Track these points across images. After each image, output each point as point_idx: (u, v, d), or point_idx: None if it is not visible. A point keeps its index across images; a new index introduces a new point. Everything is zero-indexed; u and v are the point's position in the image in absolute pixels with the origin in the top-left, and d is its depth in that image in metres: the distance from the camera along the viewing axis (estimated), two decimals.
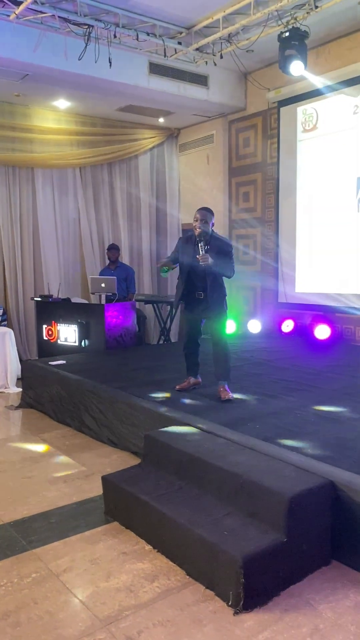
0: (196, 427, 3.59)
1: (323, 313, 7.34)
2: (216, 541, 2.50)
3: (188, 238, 4.47)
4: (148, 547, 2.89)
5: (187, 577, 2.62)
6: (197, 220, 4.33)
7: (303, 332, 7.42)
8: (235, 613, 2.35)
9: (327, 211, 7.31)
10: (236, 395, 4.40)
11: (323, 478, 2.73)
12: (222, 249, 4.35)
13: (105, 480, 3.29)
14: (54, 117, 8.20)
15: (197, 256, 4.21)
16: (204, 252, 4.21)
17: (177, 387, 4.62)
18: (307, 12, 5.87)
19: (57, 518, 3.25)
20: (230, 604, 2.39)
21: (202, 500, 2.91)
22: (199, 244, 4.23)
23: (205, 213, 4.36)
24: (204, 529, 2.61)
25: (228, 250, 4.41)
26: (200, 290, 4.41)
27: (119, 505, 3.16)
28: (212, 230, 4.41)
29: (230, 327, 7.98)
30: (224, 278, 4.44)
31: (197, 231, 4.29)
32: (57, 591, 2.53)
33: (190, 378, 4.70)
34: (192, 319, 4.56)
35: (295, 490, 2.59)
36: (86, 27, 5.99)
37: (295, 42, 5.94)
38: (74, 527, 3.13)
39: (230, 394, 4.33)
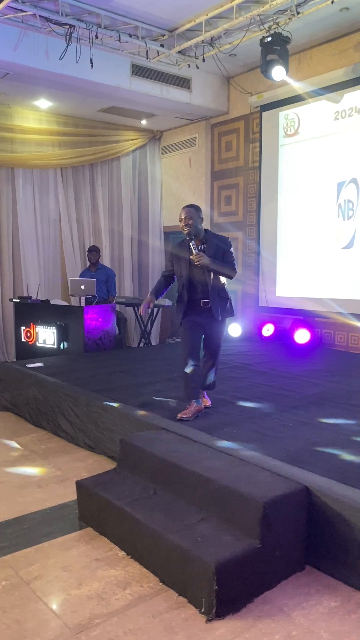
0: (172, 432, 3.56)
1: (303, 317, 7.37)
2: (189, 547, 2.47)
3: (181, 242, 4.10)
4: (121, 553, 2.85)
5: (160, 584, 2.58)
6: (181, 220, 3.97)
7: (283, 337, 7.44)
8: (208, 620, 2.32)
9: (308, 216, 7.35)
10: (214, 399, 4.38)
11: (298, 483, 2.72)
12: (220, 247, 4.02)
13: (79, 485, 3.25)
14: (35, 117, 8.13)
15: (191, 256, 3.90)
16: (197, 250, 3.89)
17: (190, 415, 3.91)
18: (289, 18, 5.90)
19: (29, 524, 3.19)
20: (202, 611, 2.36)
21: (176, 505, 2.88)
22: (191, 243, 3.89)
23: (190, 210, 3.99)
24: (178, 534, 2.58)
25: (226, 248, 4.05)
26: (204, 297, 4.04)
27: (93, 510, 3.11)
28: (205, 228, 4.08)
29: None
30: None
31: (185, 230, 3.94)
32: (26, 599, 2.48)
33: (193, 402, 4.01)
34: (197, 331, 4.08)
35: (269, 495, 2.57)
36: (68, 27, 5.95)
37: (277, 47, 5.96)
38: (46, 533, 3.07)
39: (198, 410, 4.01)
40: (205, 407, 4.16)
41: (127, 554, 2.82)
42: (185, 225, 3.95)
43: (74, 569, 2.71)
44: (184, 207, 4.03)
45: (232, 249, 4.12)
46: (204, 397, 4.23)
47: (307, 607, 2.42)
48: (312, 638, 2.21)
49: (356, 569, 2.52)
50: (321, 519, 2.65)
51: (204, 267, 3.92)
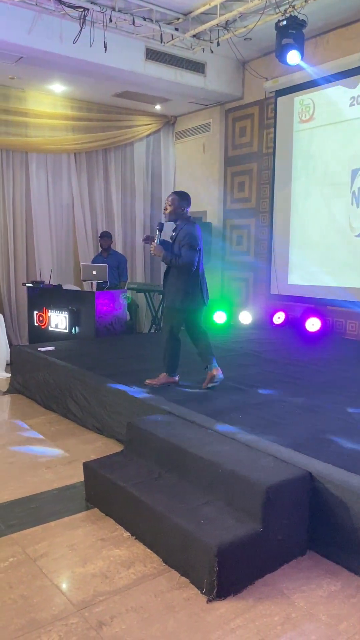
0: (179, 416, 3.60)
1: (315, 306, 7.34)
2: (192, 529, 2.51)
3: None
4: (126, 534, 2.90)
5: (163, 564, 2.63)
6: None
7: (294, 325, 7.43)
8: (209, 601, 2.36)
9: (322, 203, 7.29)
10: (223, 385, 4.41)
11: (301, 469, 2.74)
12: (178, 235, 4.20)
13: (87, 466, 3.30)
14: (49, 101, 8.12)
15: (151, 245, 4.27)
16: (157, 242, 4.21)
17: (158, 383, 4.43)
18: (305, 1, 5.81)
19: (37, 503, 3.25)
20: (204, 591, 2.40)
21: (180, 488, 2.92)
22: (157, 232, 4.26)
23: (174, 197, 4.26)
24: (181, 517, 2.62)
25: (182, 237, 4.16)
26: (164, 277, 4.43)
27: (99, 492, 3.17)
28: (188, 216, 4.30)
29: (220, 318, 8.02)
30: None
31: (163, 215, 4.36)
32: (32, 576, 2.54)
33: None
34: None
35: (272, 480, 2.60)
36: (82, 10, 5.92)
37: (292, 31, 5.88)
38: (54, 512, 3.14)
39: (167, 381, 4.40)
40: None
41: (132, 535, 2.87)
42: (164, 210, 4.32)
43: (80, 547, 2.77)
44: (171, 193, 4.34)
45: (191, 243, 4.12)
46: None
47: (307, 590, 2.45)
48: (311, 620, 2.25)
49: (357, 554, 2.54)
50: (324, 505, 2.67)
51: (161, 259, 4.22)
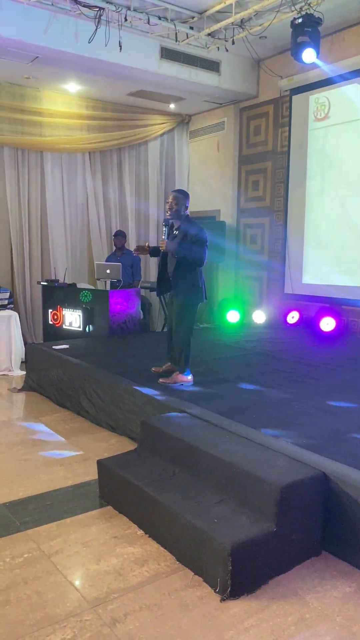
0: (193, 415, 3.60)
1: (329, 305, 7.30)
2: (206, 528, 2.51)
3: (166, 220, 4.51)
4: (140, 532, 2.92)
5: (177, 562, 2.64)
6: (167, 203, 4.42)
7: (308, 324, 7.39)
8: (222, 600, 2.36)
9: (337, 202, 7.24)
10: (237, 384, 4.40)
11: (315, 469, 2.73)
12: (187, 234, 4.30)
13: (101, 464, 3.32)
14: (64, 100, 8.15)
15: (160, 241, 4.34)
16: (165, 237, 4.33)
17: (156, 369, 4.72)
18: None
19: (52, 500, 3.28)
20: (217, 590, 2.40)
21: (194, 487, 2.92)
22: (164, 228, 4.35)
23: (177, 195, 4.37)
24: (195, 515, 2.62)
25: (192, 234, 4.28)
26: (169, 272, 4.44)
27: (113, 489, 3.18)
28: (187, 214, 4.44)
29: (233, 317, 8.00)
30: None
31: (167, 214, 4.41)
32: (47, 572, 2.56)
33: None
34: (169, 302, 4.70)
35: (286, 480, 2.59)
36: (97, 9, 5.93)
37: (308, 28, 5.82)
38: (68, 509, 3.16)
39: (181, 380, 4.42)
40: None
41: (145, 533, 2.89)
42: (169, 209, 4.37)
43: (94, 545, 2.79)
44: (172, 191, 4.45)
45: (203, 239, 4.28)
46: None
47: (321, 591, 2.44)
48: (325, 621, 2.24)
49: None
50: (338, 505, 2.66)
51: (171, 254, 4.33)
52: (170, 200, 4.36)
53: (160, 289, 4.69)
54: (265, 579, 2.49)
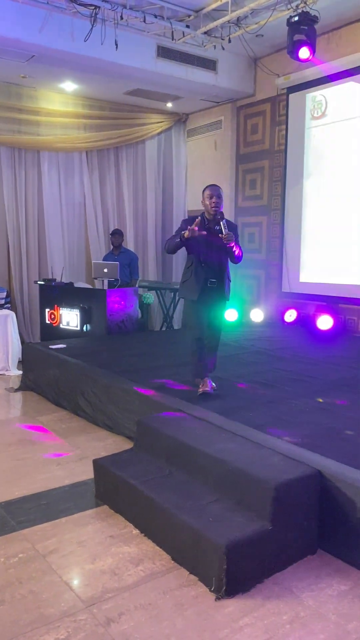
0: (189, 414, 3.59)
1: (327, 303, 7.29)
2: (201, 527, 2.51)
3: (193, 220, 4.03)
4: (135, 531, 2.91)
5: (172, 562, 2.63)
6: (212, 197, 4.01)
7: (306, 322, 7.38)
8: (217, 599, 2.36)
9: (334, 200, 7.23)
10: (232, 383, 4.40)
11: (311, 467, 2.72)
12: (234, 230, 4.08)
13: (97, 463, 3.31)
14: (60, 99, 8.14)
15: (220, 235, 3.93)
16: (227, 230, 3.92)
17: (203, 389, 4.04)
18: None
19: (47, 500, 3.27)
20: (212, 589, 2.40)
21: (190, 486, 2.92)
22: (222, 222, 3.94)
23: (219, 190, 4.09)
24: (190, 514, 2.62)
25: (237, 231, 4.15)
26: (213, 277, 4.11)
27: (109, 489, 3.18)
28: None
29: (231, 315, 7.99)
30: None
31: (214, 210, 4.01)
32: (42, 572, 2.55)
33: (207, 378, 4.16)
34: (202, 310, 4.17)
35: (281, 478, 2.59)
36: (93, 7, 5.92)
37: (304, 26, 5.82)
38: (64, 509, 3.15)
39: (209, 387, 4.10)
40: (214, 390, 4.12)
41: (141, 532, 2.88)
42: (216, 205, 4.00)
43: (89, 544, 2.78)
44: (212, 186, 4.09)
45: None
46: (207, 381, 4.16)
47: (316, 589, 2.44)
48: (320, 620, 2.24)
49: None
50: (334, 503, 2.65)
51: (229, 246, 3.98)
52: (214, 193, 4.01)
53: (204, 295, 4.12)
54: (261, 577, 2.49)
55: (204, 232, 4.00)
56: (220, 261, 4.13)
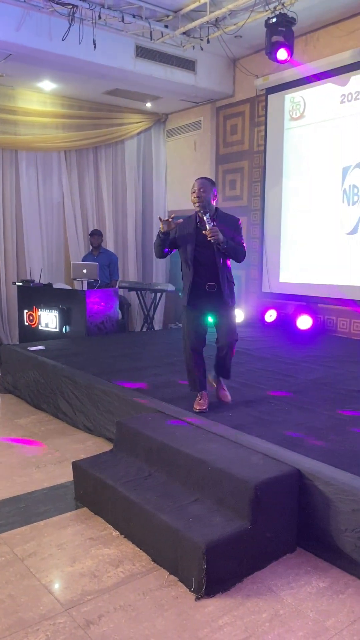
0: (168, 415, 3.59)
1: (306, 303, 7.35)
2: (181, 527, 2.50)
3: (187, 219, 3.71)
4: (115, 533, 2.90)
5: (152, 562, 2.63)
6: (193, 192, 3.59)
7: (286, 322, 7.43)
8: (197, 599, 2.36)
9: (313, 201, 7.30)
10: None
11: (290, 466, 2.74)
12: (232, 225, 3.66)
13: (76, 465, 3.29)
14: (39, 99, 8.08)
15: (204, 231, 3.49)
16: (211, 225, 3.47)
17: (198, 408, 3.69)
18: None
19: (26, 503, 3.24)
20: (192, 589, 2.40)
21: (170, 487, 2.91)
22: (205, 217, 3.48)
23: (204, 182, 3.62)
24: (170, 515, 2.61)
25: (238, 226, 3.70)
26: (211, 281, 3.66)
27: (89, 491, 3.15)
28: (215, 207, 3.71)
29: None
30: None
31: (197, 202, 3.56)
32: (20, 575, 2.53)
33: (204, 393, 3.80)
34: (198, 317, 3.76)
35: (261, 478, 2.60)
36: (70, 7, 5.88)
37: (282, 28, 5.87)
38: (43, 512, 3.12)
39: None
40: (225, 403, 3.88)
41: (121, 534, 2.87)
42: (197, 197, 3.56)
43: (68, 547, 2.76)
44: (198, 179, 3.66)
45: (240, 227, 3.76)
46: (222, 389, 3.97)
47: (295, 587, 2.45)
48: (299, 617, 2.25)
49: (345, 551, 2.54)
50: (312, 502, 2.67)
51: (217, 244, 3.51)
52: (196, 188, 3.58)
53: (196, 300, 3.72)
54: (240, 576, 2.49)
55: (180, 220, 3.64)
56: (214, 261, 3.62)
